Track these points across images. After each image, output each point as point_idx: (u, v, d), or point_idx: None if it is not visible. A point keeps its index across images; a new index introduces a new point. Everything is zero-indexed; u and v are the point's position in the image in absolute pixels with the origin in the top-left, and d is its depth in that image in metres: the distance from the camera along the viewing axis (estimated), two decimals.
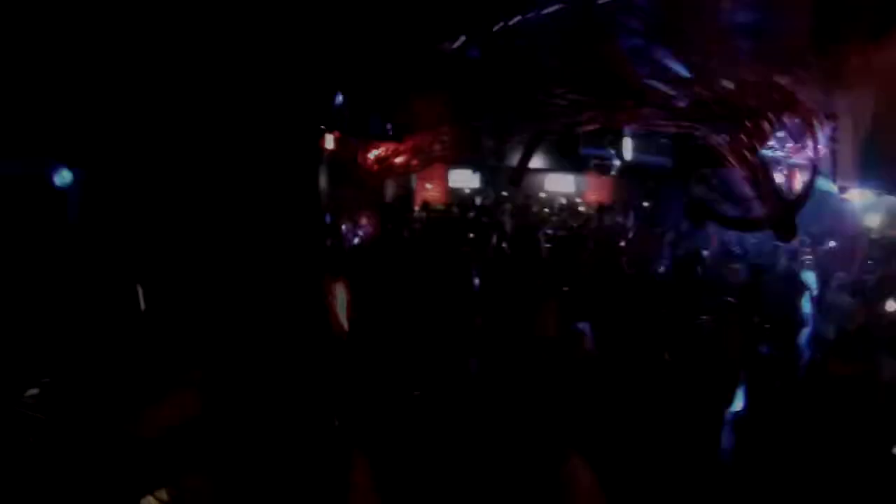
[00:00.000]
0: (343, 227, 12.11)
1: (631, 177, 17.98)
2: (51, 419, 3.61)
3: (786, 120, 9.42)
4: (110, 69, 7.23)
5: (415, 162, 16.26)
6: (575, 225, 15.02)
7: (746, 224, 10.53)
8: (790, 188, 12.12)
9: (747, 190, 9.85)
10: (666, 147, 16.27)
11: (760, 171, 9.66)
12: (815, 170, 9.40)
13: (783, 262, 10.54)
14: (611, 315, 7.51)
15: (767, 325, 8.35)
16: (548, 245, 11.57)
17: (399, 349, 5.90)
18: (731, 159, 9.98)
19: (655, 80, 9.95)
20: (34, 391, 3.82)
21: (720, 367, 6.31)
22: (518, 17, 9.56)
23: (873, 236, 15.07)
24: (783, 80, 8.67)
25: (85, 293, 6.35)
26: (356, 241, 11.97)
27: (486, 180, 18.08)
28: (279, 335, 5.28)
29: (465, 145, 17.19)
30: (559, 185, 18.93)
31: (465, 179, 17.84)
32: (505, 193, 18.18)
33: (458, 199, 17.45)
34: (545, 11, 9.27)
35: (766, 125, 9.44)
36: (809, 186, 9.51)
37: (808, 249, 11.18)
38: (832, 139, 9.25)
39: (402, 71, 11.76)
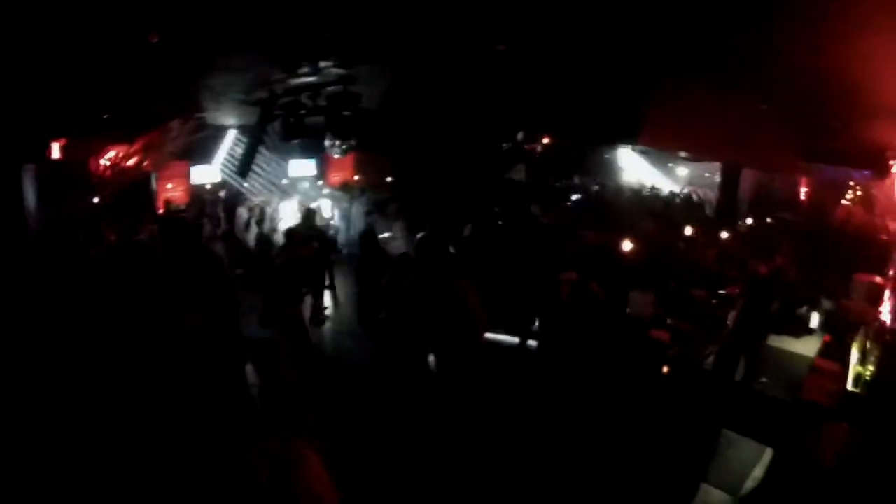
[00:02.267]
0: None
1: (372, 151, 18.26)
2: None
3: None
4: None
5: (147, 162, 15.46)
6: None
7: None
8: None
9: None
10: None
11: None
12: None
13: None
14: None
15: None
16: None
17: None
18: None
19: None
20: None
21: None
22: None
23: None
24: None
25: None
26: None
27: (231, 173, 17.52)
28: None
29: (199, 139, 16.65)
30: (301, 169, 18.77)
31: (206, 175, 17.16)
32: (246, 185, 17.79)
33: (199, 196, 16.81)
34: None
35: None
36: None
37: None
38: None
39: (121, 63, 11.14)
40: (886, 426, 5.47)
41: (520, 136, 18.08)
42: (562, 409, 7.15)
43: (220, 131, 17.20)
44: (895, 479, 4.40)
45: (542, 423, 6.95)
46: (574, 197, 18.33)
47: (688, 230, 13.17)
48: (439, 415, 6.67)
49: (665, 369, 8.81)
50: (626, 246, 11.18)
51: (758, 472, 7.64)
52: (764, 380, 10.15)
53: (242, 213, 15.59)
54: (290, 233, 10.82)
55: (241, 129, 17.25)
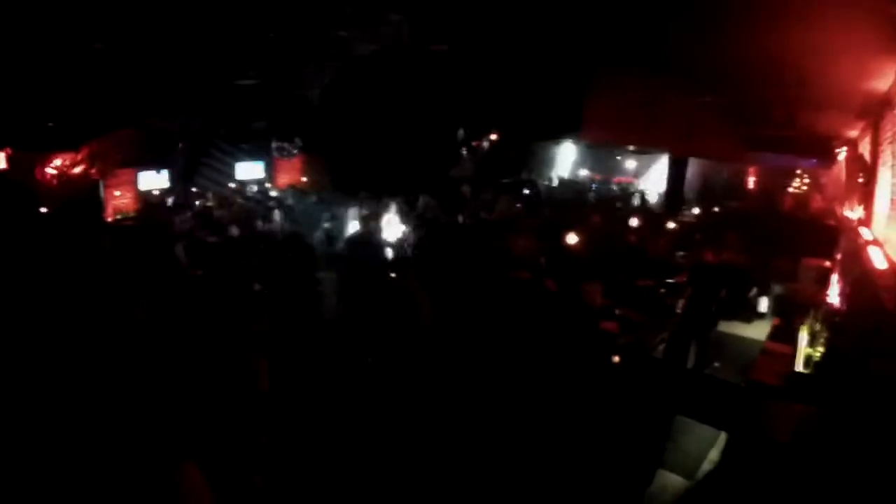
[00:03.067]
0: None
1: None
2: None
3: None
4: None
5: (94, 170, 15.23)
6: None
7: None
8: None
9: None
10: None
11: None
12: None
13: None
14: None
15: None
16: None
17: None
18: None
19: None
20: None
21: None
22: None
23: None
24: None
25: None
26: None
27: (175, 178, 17.29)
28: None
29: (146, 145, 16.44)
30: (249, 172, 18.59)
31: (153, 181, 16.87)
32: (195, 189, 17.61)
33: (148, 202, 16.55)
34: None
35: None
36: None
37: None
38: None
39: (65, 71, 11.00)
40: (836, 405, 5.55)
41: (461, 133, 18.12)
42: (515, 403, 7.17)
43: (166, 137, 16.98)
44: (845, 456, 4.46)
45: (497, 419, 6.96)
46: (524, 192, 18.36)
47: (634, 221, 13.30)
48: (397, 418, 6.66)
49: (616, 359, 8.86)
50: (572, 239, 11.20)
51: (713, 455, 7.75)
52: (716, 365, 10.30)
53: (188, 218, 15.35)
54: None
55: (188, 133, 17.07)
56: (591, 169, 23.27)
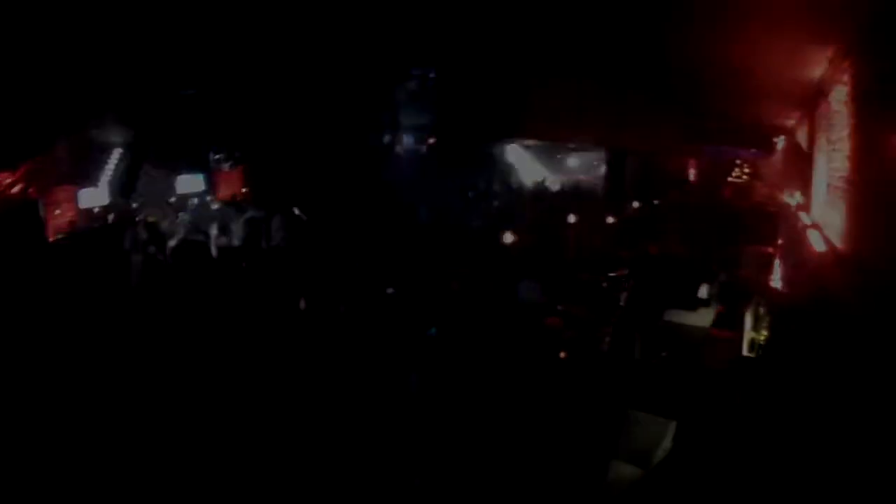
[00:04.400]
0: None
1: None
2: None
3: None
4: None
5: (32, 189, 14.90)
6: None
7: None
8: None
9: None
10: None
11: None
12: None
13: None
14: None
15: None
16: None
17: None
18: None
19: None
20: None
21: None
22: None
23: None
24: None
25: None
26: None
27: (114, 193, 16.91)
28: None
29: (84, 160, 16.13)
30: (189, 185, 18.28)
31: (94, 198, 16.50)
32: (135, 205, 17.29)
33: (90, 219, 16.19)
34: None
35: None
36: None
37: None
38: None
39: None
40: (780, 387, 5.63)
41: (388, 137, 18.08)
42: (463, 402, 7.16)
43: (105, 151, 16.61)
44: (789, 437, 4.53)
45: (446, 417, 6.94)
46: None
47: (571, 217, 13.38)
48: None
49: (562, 354, 8.90)
50: (508, 237, 11.25)
51: (667, 443, 7.81)
52: (663, 354, 10.40)
53: (136, 233, 15.02)
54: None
55: (126, 146, 16.71)
56: (533, 169, 23.37)
